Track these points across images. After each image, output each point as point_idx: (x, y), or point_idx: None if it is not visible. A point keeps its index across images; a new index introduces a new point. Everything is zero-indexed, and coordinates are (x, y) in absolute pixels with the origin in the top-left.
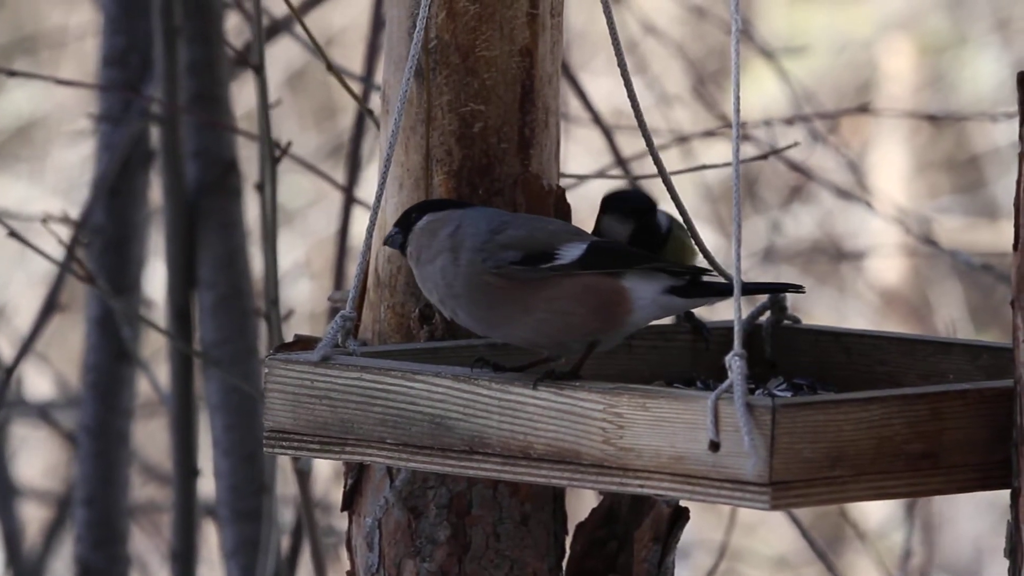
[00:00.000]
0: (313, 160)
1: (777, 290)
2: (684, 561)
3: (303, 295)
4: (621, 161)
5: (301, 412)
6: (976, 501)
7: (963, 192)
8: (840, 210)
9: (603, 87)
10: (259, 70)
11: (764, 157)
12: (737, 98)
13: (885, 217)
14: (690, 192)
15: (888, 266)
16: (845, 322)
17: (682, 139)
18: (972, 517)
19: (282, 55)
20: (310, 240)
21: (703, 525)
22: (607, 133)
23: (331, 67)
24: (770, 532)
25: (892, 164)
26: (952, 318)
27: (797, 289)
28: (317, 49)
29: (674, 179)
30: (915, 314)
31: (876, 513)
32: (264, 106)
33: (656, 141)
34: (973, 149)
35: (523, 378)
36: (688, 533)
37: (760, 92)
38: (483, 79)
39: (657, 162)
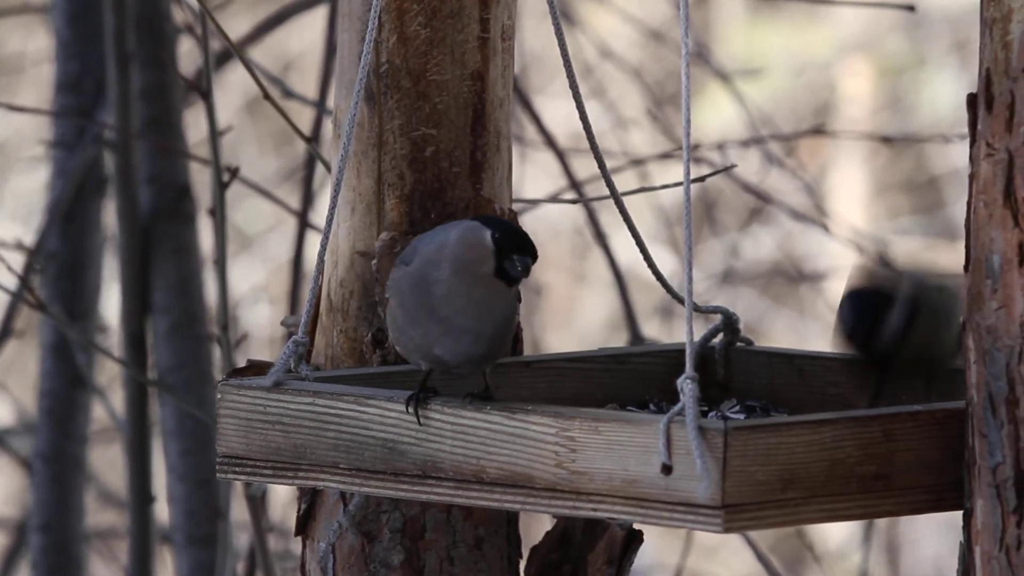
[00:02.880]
0: (272, 184)
1: None
2: None
3: (263, 319)
4: (575, 184)
5: (254, 437)
6: (937, 522)
7: (922, 213)
8: (799, 232)
9: (561, 110)
10: (208, 96)
11: (702, 179)
12: (687, 121)
13: (840, 239)
14: (647, 215)
15: None
16: (805, 344)
17: (637, 162)
18: (933, 538)
19: (240, 80)
20: (270, 265)
21: (663, 548)
22: (560, 156)
23: (268, 97)
24: (731, 555)
25: (851, 186)
26: None
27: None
28: (256, 82)
29: (630, 202)
30: None
31: (837, 534)
32: (214, 131)
33: (612, 164)
34: (932, 170)
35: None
36: (648, 556)
37: (717, 115)
38: (434, 103)
39: (609, 184)
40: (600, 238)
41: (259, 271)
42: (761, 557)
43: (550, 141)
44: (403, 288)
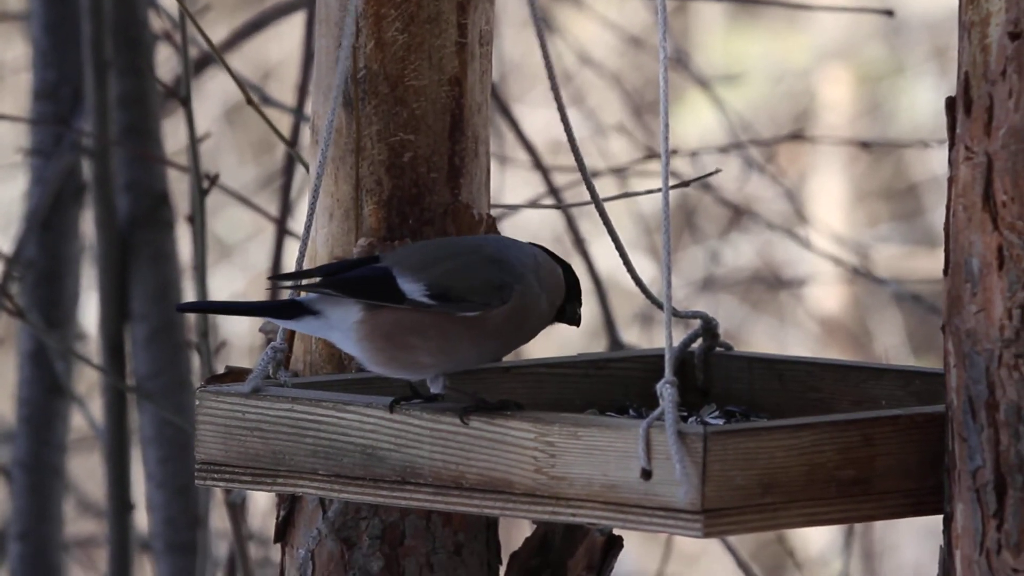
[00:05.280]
0: (250, 192)
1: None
2: None
3: (243, 328)
4: (553, 190)
5: (232, 444)
6: (918, 528)
7: (902, 220)
8: (779, 239)
9: (540, 118)
10: (186, 103)
11: (686, 184)
12: (666, 125)
13: (818, 249)
14: (627, 223)
15: (828, 294)
16: (785, 351)
17: (617, 170)
18: (914, 544)
19: (219, 88)
20: (249, 273)
21: (644, 555)
22: (538, 161)
23: (251, 101)
24: (713, 562)
25: (831, 193)
26: (888, 345)
27: None
28: (237, 84)
29: (610, 209)
30: (855, 342)
31: (818, 540)
32: (192, 138)
33: (592, 171)
34: (912, 177)
35: (453, 410)
36: (629, 563)
37: (697, 122)
38: (412, 109)
39: (590, 189)
40: (579, 244)
41: (239, 279)
42: (742, 563)
43: (528, 147)
44: (523, 309)
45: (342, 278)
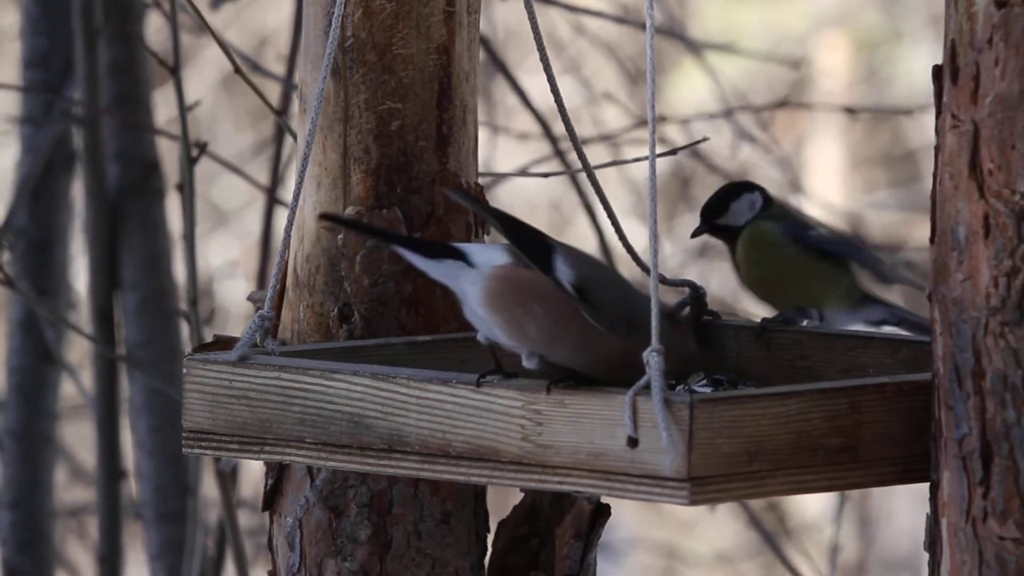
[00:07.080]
0: (245, 160)
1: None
2: (622, 560)
3: (239, 295)
4: (558, 152)
5: (220, 412)
6: (913, 495)
7: (899, 187)
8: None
9: (536, 87)
10: (176, 71)
11: (674, 152)
12: (652, 93)
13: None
14: (620, 191)
15: None
16: None
17: (607, 137)
18: (909, 512)
19: (216, 55)
20: (245, 241)
21: (640, 522)
22: (543, 123)
23: (239, 70)
24: (709, 530)
25: (828, 160)
26: None
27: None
28: (225, 52)
29: (603, 177)
30: None
31: (813, 507)
32: (182, 107)
33: (585, 139)
34: (909, 144)
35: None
36: (625, 530)
37: (692, 90)
38: (400, 77)
39: (581, 156)
40: (587, 208)
41: (234, 247)
42: (753, 518)
43: (535, 112)
44: (631, 355)
45: (515, 219)
